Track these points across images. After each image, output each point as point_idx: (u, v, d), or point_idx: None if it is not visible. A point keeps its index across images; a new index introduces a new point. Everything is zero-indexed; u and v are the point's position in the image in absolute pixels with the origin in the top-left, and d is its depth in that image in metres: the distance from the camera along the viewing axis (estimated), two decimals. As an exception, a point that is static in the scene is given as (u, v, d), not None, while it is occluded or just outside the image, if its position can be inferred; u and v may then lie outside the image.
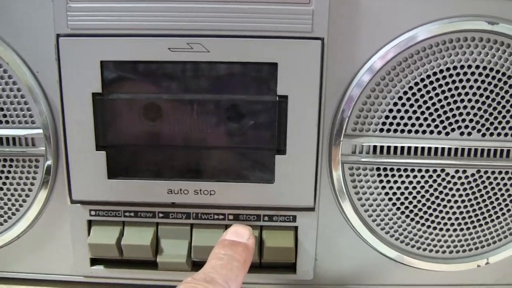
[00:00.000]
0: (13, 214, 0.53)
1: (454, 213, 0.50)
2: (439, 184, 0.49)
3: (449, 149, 0.48)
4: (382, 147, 0.48)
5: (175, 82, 0.46)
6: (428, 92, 0.47)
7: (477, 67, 0.46)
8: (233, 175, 0.48)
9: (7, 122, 0.49)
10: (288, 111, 0.46)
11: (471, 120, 0.48)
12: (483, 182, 0.49)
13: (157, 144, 0.48)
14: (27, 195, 0.52)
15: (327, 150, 0.48)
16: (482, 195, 0.50)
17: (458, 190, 0.49)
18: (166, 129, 0.47)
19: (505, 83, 0.47)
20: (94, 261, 0.52)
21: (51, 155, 0.50)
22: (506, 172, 0.49)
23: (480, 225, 0.51)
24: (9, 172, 0.51)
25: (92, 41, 0.45)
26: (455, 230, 0.51)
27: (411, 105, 0.47)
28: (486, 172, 0.49)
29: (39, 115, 0.49)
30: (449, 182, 0.49)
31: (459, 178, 0.49)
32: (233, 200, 0.48)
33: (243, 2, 0.44)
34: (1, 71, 0.48)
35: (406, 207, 0.50)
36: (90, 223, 0.51)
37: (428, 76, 0.46)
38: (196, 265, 0.49)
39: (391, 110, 0.47)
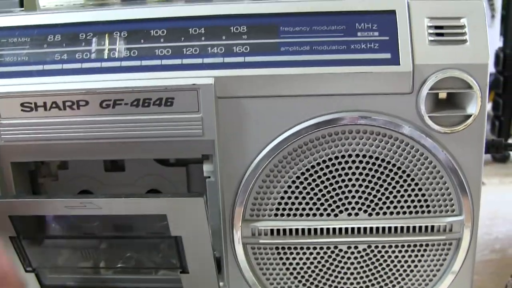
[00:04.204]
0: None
1: (352, 283, 0.56)
2: (334, 259, 0.55)
3: (340, 228, 0.54)
4: (278, 229, 0.54)
5: (84, 224, 0.53)
6: (314, 180, 0.52)
7: (357, 155, 0.52)
8: (150, 286, 0.55)
9: None
10: (184, 244, 0.51)
11: (356, 202, 0.53)
12: (374, 255, 0.55)
13: (82, 267, 0.55)
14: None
15: (230, 232, 0.55)
16: (376, 267, 0.55)
17: (352, 263, 0.55)
18: (85, 258, 0.55)
19: (385, 168, 0.52)
20: None
21: None
22: (396, 246, 0.54)
23: (378, 294, 0.56)
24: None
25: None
26: (354, 299, 0.56)
27: (300, 192, 0.53)
28: (376, 247, 0.54)
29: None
30: (343, 257, 0.55)
31: (352, 253, 0.55)
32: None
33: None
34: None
35: (307, 280, 0.56)
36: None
37: (313, 166, 0.52)
38: None
39: (282, 197, 0.53)
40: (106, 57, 0.52)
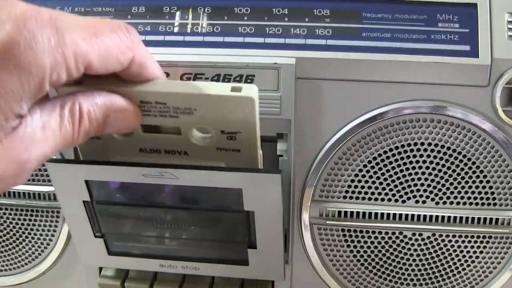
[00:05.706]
0: (39, 254, 0.63)
1: (413, 270, 0.57)
2: (398, 245, 0.56)
3: (406, 215, 0.54)
4: (346, 212, 0.55)
5: (155, 194, 0.53)
6: (385, 165, 0.53)
7: (429, 144, 0.53)
8: (214, 259, 0.56)
9: (33, 180, 0.59)
10: (256, 220, 0.51)
11: (425, 190, 0.54)
12: (438, 244, 0.55)
13: (148, 235, 0.56)
14: (50, 240, 0.62)
15: (298, 212, 0.55)
16: (438, 255, 0.56)
17: (415, 250, 0.56)
18: (152, 227, 0.55)
19: (456, 158, 0.53)
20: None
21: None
22: (460, 236, 0.55)
23: (438, 281, 0.57)
24: (35, 220, 0.61)
25: (78, 167, 0.51)
26: (414, 285, 0.57)
27: (370, 176, 0.54)
28: (440, 236, 0.55)
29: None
30: (407, 243, 0.56)
31: (416, 240, 0.55)
32: (214, 273, 0.57)
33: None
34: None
35: (370, 264, 0.57)
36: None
37: (385, 152, 0.53)
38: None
39: (352, 180, 0.54)
40: (189, 31, 0.53)
